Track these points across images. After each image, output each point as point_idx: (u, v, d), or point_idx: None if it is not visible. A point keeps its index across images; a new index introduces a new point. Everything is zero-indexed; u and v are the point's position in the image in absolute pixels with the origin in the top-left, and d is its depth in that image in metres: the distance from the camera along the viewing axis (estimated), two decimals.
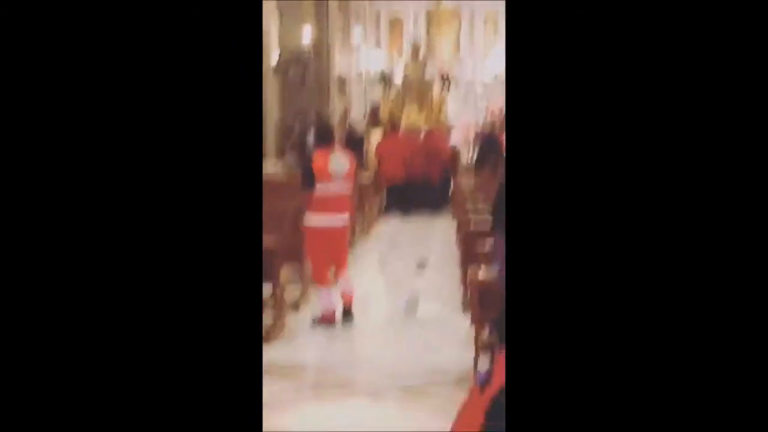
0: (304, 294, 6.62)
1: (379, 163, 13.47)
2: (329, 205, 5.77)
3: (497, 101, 20.86)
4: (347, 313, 6.08)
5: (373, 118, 19.99)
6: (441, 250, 9.57)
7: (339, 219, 5.87)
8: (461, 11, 22.86)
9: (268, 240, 5.74)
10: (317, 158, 5.83)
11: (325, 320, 5.92)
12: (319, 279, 5.96)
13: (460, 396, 1.84)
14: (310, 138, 6.28)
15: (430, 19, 22.93)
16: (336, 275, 6.09)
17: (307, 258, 6.06)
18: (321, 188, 5.72)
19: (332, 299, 5.92)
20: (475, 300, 4.83)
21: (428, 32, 22.83)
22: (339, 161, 5.83)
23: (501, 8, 22.17)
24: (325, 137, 5.99)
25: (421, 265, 8.63)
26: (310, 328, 5.93)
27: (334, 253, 6.00)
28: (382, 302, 7.07)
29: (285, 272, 6.19)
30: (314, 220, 5.83)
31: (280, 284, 5.92)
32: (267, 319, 5.78)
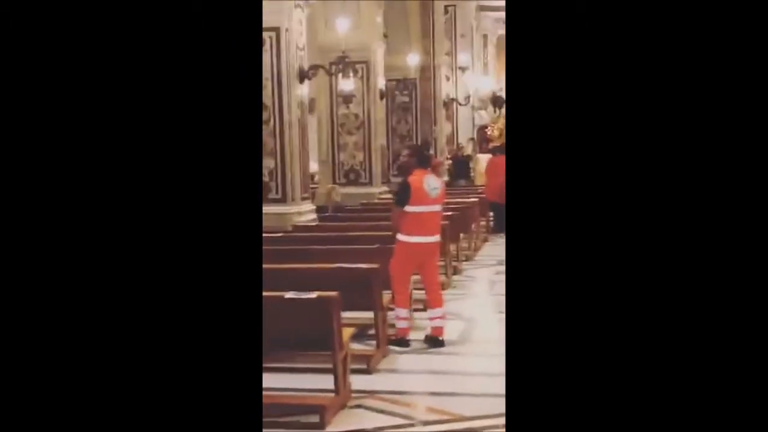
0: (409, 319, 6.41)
1: (487, 183, 13.26)
2: (420, 226, 5.84)
3: None
4: (436, 341, 5.94)
5: (481, 140, 19.80)
6: None
7: (429, 240, 5.91)
8: None
9: (370, 266, 5.64)
10: (411, 180, 5.92)
11: (398, 339, 5.90)
12: (399, 300, 5.94)
13: None
14: (407, 161, 6.16)
15: None
16: (431, 299, 6.04)
17: (392, 276, 5.94)
18: (417, 209, 5.83)
19: (407, 319, 5.98)
20: None
21: None
22: (431, 183, 5.91)
23: None
24: (421, 161, 6.11)
25: None
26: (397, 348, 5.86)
27: (425, 274, 6.05)
28: (491, 327, 6.78)
29: (387, 298, 6.01)
30: (404, 239, 5.89)
31: (383, 308, 5.74)
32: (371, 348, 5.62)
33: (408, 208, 5.85)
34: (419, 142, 15.62)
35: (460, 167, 18.11)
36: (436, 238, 6.01)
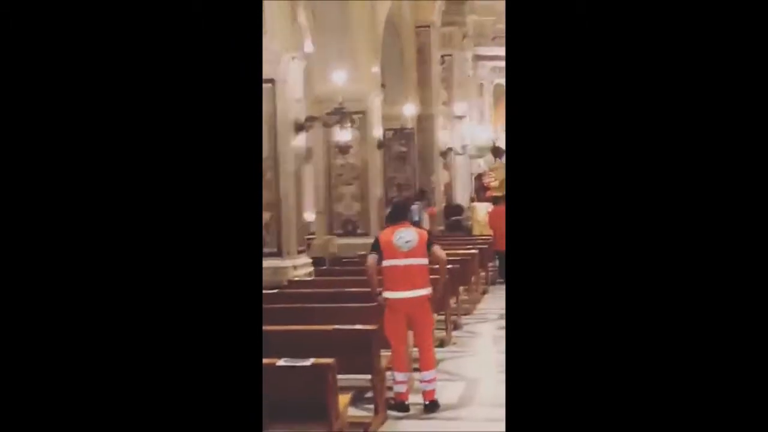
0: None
1: (493, 231, 13.21)
2: (395, 280, 5.67)
3: None
4: (431, 405, 5.70)
5: (479, 189, 19.71)
6: None
7: (409, 295, 5.67)
8: None
9: (368, 327, 5.44)
10: (383, 235, 5.81)
11: (397, 404, 5.68)
12: (396, 363, 5.70)
13: None
14: (388, 213, 6.06)
15: None
16: (421, 360, 5.79)
17: (387, 336, 5.72)
18: (390, 263, 5.67)
19: (406, 383, 5.74)
20: None
21: None
22: (404, 236, 5.70)
23: None
24: (396, 215, 5.97)
25: None
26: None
27: (415, 332, 5.82)
28: (493, 388, 6.53)
29: (385, 360, 5.77)
30: (387, 295, 5.73)
31: (380, 371, 5.51)
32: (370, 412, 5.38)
33: (383, 263, 5.74)
34: (417, 192, 15.54)
35: (455, 214, 17.98)
36: (418, 292, 5.71)
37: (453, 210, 18.12)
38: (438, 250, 5.95)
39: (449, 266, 8.03)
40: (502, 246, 12.45)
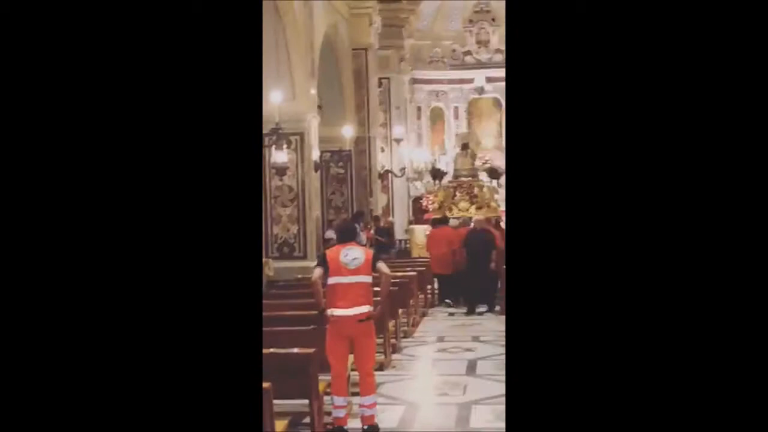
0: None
1: (430, 254, 13.20)
2: (339, 297, 5.66)
3: None
4: (370, 429, 5.62)
5: (416, 211, 19.77)
6: (493, 350, 8.97)
7: (351, 312, 5.64)
8: (503, 100, 22.76)
9: (305, 351, 5.34)
10: (331, 253, 5.84)
11: (335, 429, 5.62)
12: (335, 386, 5.65)
13: None
14: (330, 234, 6.13)
15: (471, 111, 22.84)
16: (361, 384, 5.72)
17: (328, 358, 5.67)
18: (335, 281, 5.69)
19: (345, 407, 5.68)
20: None
21: (470, 124, 22.74)
22: (350, 254, 5.74)
23: None
24: (343, 235, 6.04)
25: (471, 369, 8.05)
26: None
27: (355, 355, 5.76)
28: (432, 411, 6.47)
29: (323, 384, 5.67)
30: (330, 313, 5.69)
31: (319, 396, 5.41)
32: None
33: (328, 280, 5.72)
34: (354, 213, 15.49)
35: (388, 237, 17.90)
36: (361, 309, 5.68)
37: (379, 232, 18.12)
38: (383, 267, 5.99)
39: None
40: (438, 269, 12.62)
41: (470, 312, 11.63)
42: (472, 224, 12.85)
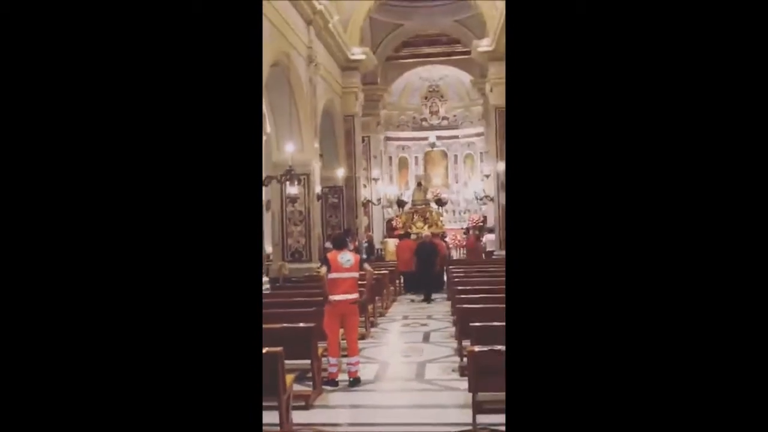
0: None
1: (398, 258, 13.24)
2: (337, 287, 5.73)
3: (475, 213, 20.70)
4: (354, 381, 5.57)
5: (388, 229, 19.69)
6: (441, 324, 8.89)
7: (346, 297, 5.75)
8: (448, 152, 22.86)
9: (308, 325, 5.24)
10: (331, 255, 5.93)
11: (329, 380, 5.54)
12: (330, 350, 5.66)
13: None
14: (328, 244, 6.00)
15: (426, 159, 22.89)
16: (348, 349, 5.71)
17: (325, 329, 5.66)
18: (335, 275, 5.75)
19: (336, 365, 5.67)
20: (472, 368, 4.22)
21: (425, 168, 22.76)
22: (344, 257, 5.85)
23: (474, 150, 22.19)
24: (338, 244, 6.12)
25: (426, 338, 7.96)
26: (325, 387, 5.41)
27: (345, 327, 5.79)
28: (399, 368, 6.38)
29: (321, 349, 5.57)
30: (330, 298, 5.73)
31: (318, 358, 5.31)
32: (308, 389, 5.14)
33: (330, 275, 5.76)
34: (344, 230, 15.38)
35: (369, 248, 17.85)
36: (352, 296, 5.79)
37: (369, 245, 18.05)
38: (368, 266, 6.33)
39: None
40: (404, 268, 12.72)
41: (427, 300, 11.53)
42: (421, 238, 12.93)
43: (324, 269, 5.85)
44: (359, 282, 6.12)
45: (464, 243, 16.96)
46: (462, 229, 18.35)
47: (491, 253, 16.40)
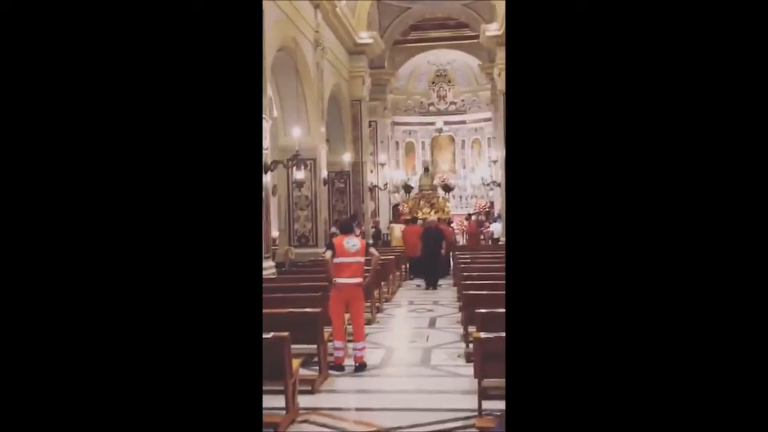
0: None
1: (404, 243, 13.16)
2: (342, 271, 5.72)
3: (482, 199, 20.64)
4: (360, 366, 5.57)
5: (395, 214, 19.68)
6: (447, 310, 8.90)
7: (351, 281, 5.75)
8: (456, 137, 22.75)
9: (314, 310, 5.25)
10: (337, 240, 5.90)
11: (336, 365, 5.55)
12: (336, 334, 5.67)
13: None
14: (334, 230, 6.03)
15: (433, 145, 22.80)
16: (354, 334, 5.70)
17: (330, 314, 5.64)
18: (340, 260, 5.74)
19: (343, 350, 5.68)
20: (478, 354, 4.22)
21: (432, 154, 22.68)
22: (350, 242, 5.83)
23: (482, 135, 22.07)
24: (344, 228, 6.11)
25: (432, 324, 7.97)
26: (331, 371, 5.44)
27: (351, 312, 5.78)
28: (404, 353, 6.40)
29: (327, 334, 5.59)
30: (335, 281, 5.74)
31: (324, 342, 5.32)
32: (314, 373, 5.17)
33: (335, 260, 5.75)
34: (351, 215, 15.39)
35: (376, 233, 17.86)
36: (357, 279, 5.77)
37: (376, 231, 18.02)
38: (374, 251, 6.26)
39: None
40: (411, 253, 12.55)
41: (430, 286, 11.40)
42: (427, 223, 12.76)
43: (329, 254, 5.83)
44: (366, 267, 6.09)
45: (466, 228, 16.90)
46: (465, 215, 18.31)
47: (498, 240, 16.38)
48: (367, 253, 5.95)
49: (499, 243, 15.42)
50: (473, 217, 17.43)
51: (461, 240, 17.49)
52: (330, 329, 5.63)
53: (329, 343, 5.61)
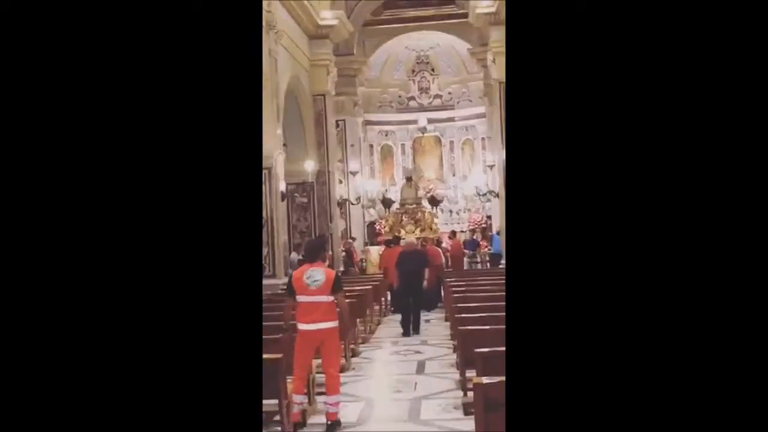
0: (311, 404, 5.92)
1: (383, 270, 13.13)
2: (304, 314, 5.53)
3: (477, 212, 20.81)
4: (333, 425, 5.46)
5: (371, 234, 19.72)
6: (439, 351, 8.88)
7: (314, 327, 5.50)
8: (442, 138, 22.93)
9: (274, 356, 5.17)
10: (296, 273, 5.72)
11: (293, 421, 5.42)
12: (296, 387, 5.49)
13: None
14: (294, 257, 6.06)
15: (416, 147, 22.94)
16: (327, 385, 5.57)
17: (294, 363, 5.51)
18: (301, 299, 5.57)
19: (301, 404, 5.52)
20: (480, 404, 4.18)
21: (415, 159, 22.83)
22: (312, 276, 5.57)
23: (475, 135, 22.28)
24: (307, 255, 5.91)
25: (420, 369, 7.94)
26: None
27: (322, 360, 5.63)
28: (387, 406, 6.35)
29: (291, 385, 5.51)
30: (298, 327, 5.56)
31: (287, 396, 5.24)
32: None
33: (297, 298, 5.59)
34: (318, 235, 15.31)
35: (348, 258, 17.77)
36: (323, 325, 5.50)
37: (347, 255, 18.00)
38: (341, 299, 5.77)
39: (347, 301, 7.85)
40: (393, 281, 12.37)
41: (409, 332, 10.46)
42: (402, 246, 12.14)
43: (288, 300, 5.68)
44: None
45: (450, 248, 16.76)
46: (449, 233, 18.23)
47: (498, 259, 16.45)
48: (334, 291, 5.56)
49: (500, 265, 15.49)
50: (456, 235, 17.45)
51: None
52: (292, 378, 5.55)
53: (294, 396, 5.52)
